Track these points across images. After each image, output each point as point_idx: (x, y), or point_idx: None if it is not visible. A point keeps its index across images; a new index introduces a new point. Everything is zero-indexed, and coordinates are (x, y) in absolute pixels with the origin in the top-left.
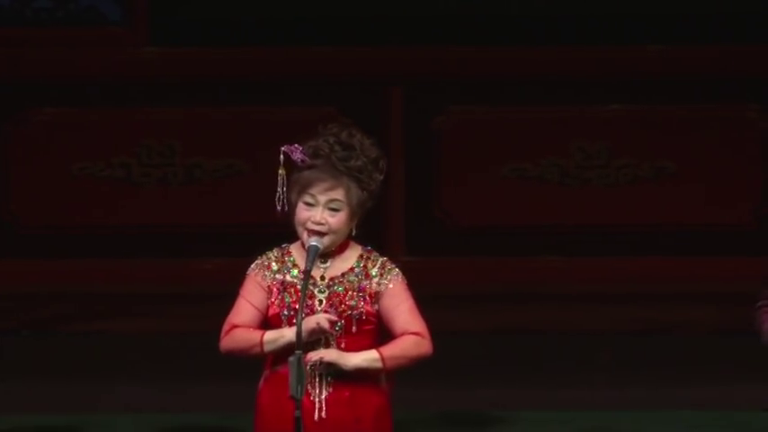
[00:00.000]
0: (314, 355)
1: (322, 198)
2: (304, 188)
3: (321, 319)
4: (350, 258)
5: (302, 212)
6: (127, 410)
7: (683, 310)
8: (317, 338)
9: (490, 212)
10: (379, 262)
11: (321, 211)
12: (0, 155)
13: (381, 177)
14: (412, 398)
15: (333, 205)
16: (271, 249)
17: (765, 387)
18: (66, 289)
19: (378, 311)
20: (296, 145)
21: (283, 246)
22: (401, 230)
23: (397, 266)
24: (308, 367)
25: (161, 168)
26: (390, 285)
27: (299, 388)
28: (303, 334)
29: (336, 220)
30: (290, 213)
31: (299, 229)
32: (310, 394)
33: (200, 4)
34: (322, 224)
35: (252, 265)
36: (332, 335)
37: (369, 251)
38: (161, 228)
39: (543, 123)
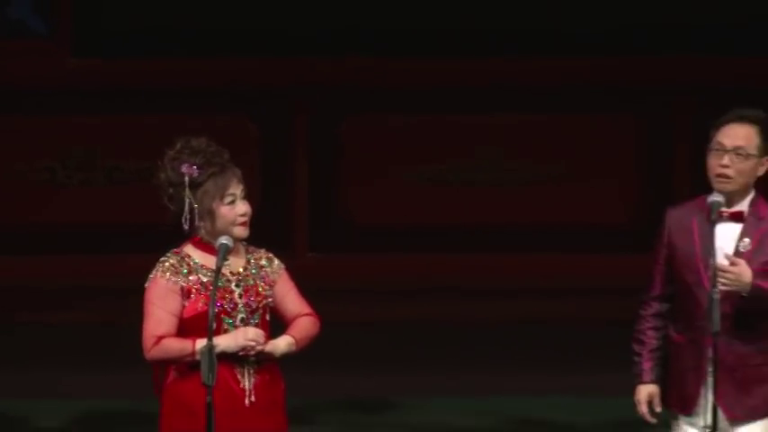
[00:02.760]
0: (254, 348)
1: (239, 192)
2: (224, 191)
3: (258, 336)
4: (241, 253)
5: (230, 212)
6: (59, 396)
7: (570, 304)
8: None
9: (390, 213)
10: (262, 252)
11: (242, 203)
12: None
13: None
14: (317, 385)
15: (243, 194)
16: (165, 257)
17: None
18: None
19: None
20: (186, 164)
21: (174, 251)
22: (305, 229)
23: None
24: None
25: (83, 171)
26: (280, 272)
27: (211, 376)
28: (234, 348)
29: (249, 206)
30: (201, 223)
31: (230, 228)
32: (239, 382)
33: (120, 18)
34: (248, 213)
35: (156, 273)
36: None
37: (246, 245)
38: (83, 226)
39: (444, 129)
